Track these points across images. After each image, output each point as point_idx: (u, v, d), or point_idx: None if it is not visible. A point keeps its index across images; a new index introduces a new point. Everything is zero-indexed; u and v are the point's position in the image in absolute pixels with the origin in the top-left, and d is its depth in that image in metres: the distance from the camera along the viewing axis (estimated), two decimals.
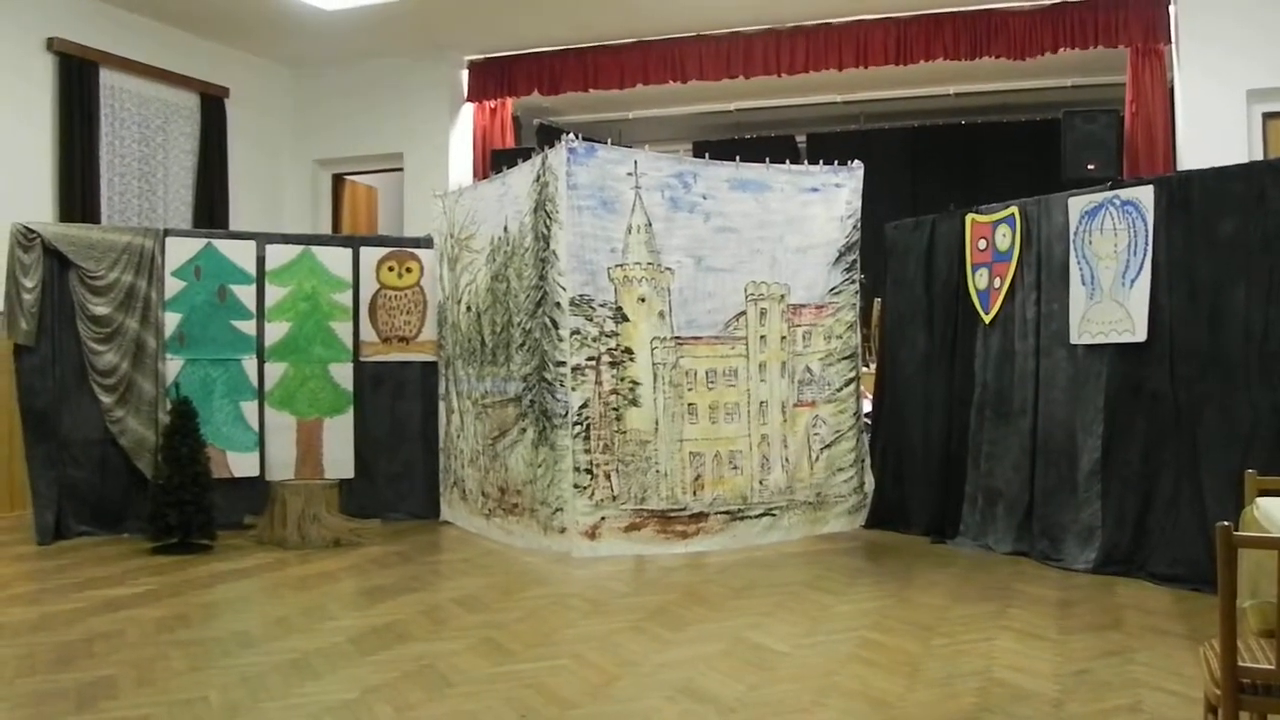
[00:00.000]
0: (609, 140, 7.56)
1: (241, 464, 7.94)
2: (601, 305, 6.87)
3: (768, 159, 7.59)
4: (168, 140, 10.27)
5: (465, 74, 11.42)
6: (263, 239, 8.28)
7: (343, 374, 8.29)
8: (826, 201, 7.64)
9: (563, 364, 6.82)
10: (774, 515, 7.32)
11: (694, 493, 7.07)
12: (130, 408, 7.65)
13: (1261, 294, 5.68)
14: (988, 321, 7.14)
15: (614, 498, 6.84)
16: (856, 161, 7.80)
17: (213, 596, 5.95)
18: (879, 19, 9.79)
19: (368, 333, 8.37)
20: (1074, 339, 6.50)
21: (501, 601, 5.74)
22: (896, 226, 8.04)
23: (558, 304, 6.86)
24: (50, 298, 7.48)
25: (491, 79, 11.33)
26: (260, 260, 8.13)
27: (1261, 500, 3.19)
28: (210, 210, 10.51)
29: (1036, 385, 6.76)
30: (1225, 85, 8.50)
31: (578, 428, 6.76)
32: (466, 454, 7.99)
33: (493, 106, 11.56)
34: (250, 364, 8.04)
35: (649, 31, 10.43)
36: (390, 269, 8.46)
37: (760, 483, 7.29)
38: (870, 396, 8.18)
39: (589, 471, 6.77)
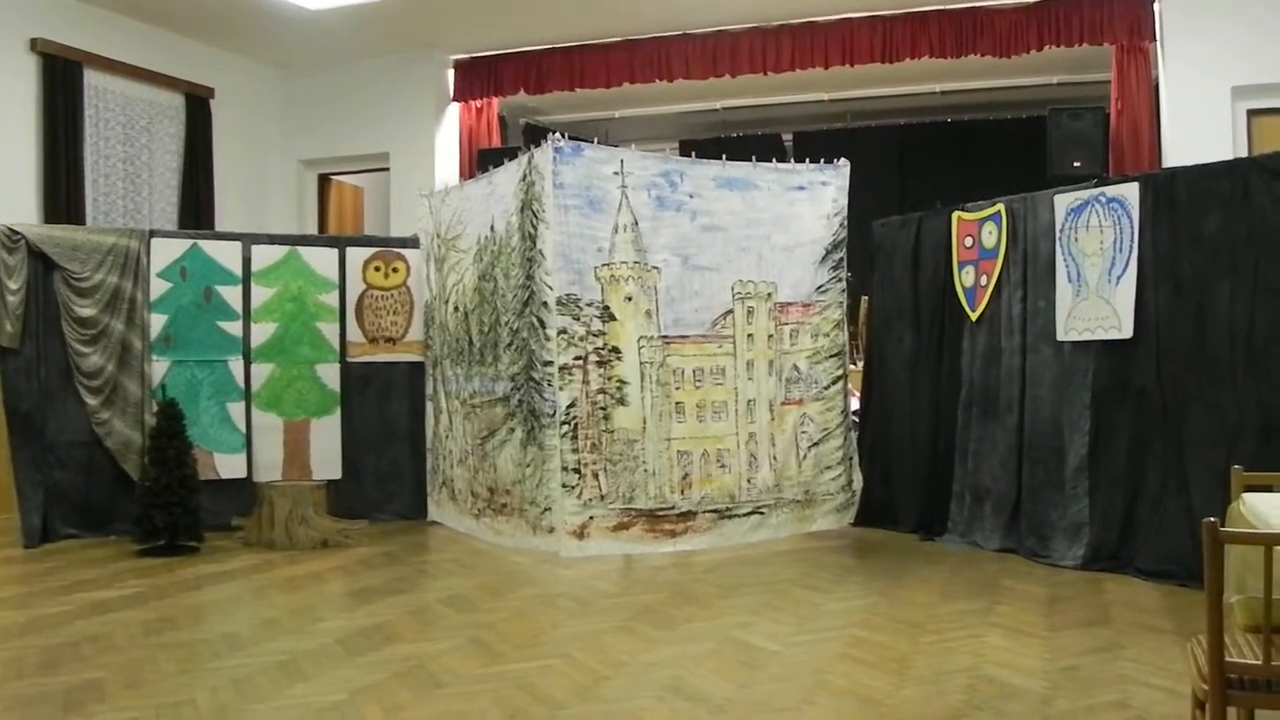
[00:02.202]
0: (595, 139, 7.55)
1: (228, 465, 7.91)
2: (588, 304, 6.87)
3: (754, 157, 7.60)
4: (153, 141, 10.21)
5: (451, 73, 11.39)
6: (249, 240, 8.26)
7: (329, 375, 8.28)
8: (813, 200, 7.65)
9: (550, 363, 6.82)
10: (762, 514, 7.33)
11: (682, 491, 7.08)
12: (116, 410, 7.62)
13: (1246, 290, 5.69)
14: (974, 319, 7.15)
15: (602, 497, 6.84)
16: (843, 160, 7.81)
17: (200, 598, 5.92)
18: (865, 17, 9.80)
19: (354, 333, 8.35)
20: (1060, 336, 6.52)
21: (490, 602, 5.73)
22: (883, 224, 8.05)
23: (545, 303, 6.86)
24: (35, 299, 7.45)
25: (477, 78, 11.30)
26: (246, 261, 8.11)
27: (1248, 496, 3.20)
28: (196, 211, 10.46)
29: (1023, 382, 6.78)
30: (1210, 82, 8.51)
31: (565, 427, 6.76)
32: (455, 454, 7.98)
33: (479, 106, 11.53)
34: (237, 365, 8.02)
35: (635, 30, 10.41)
36: (377, 269, 8.45)
37: (748, 481, 7.29)
38: (858, 394, 8.19)
39: (577, 471, 6.77)
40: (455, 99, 11.41)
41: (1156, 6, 8.97)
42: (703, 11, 9.86)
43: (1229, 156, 7.80)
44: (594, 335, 6.89)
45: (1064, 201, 6.56)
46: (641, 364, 7.01)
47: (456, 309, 7.95)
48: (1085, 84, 10.64)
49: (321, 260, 8.32)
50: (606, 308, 6.93)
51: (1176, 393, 5.98)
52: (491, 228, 7.51)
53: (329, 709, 4.00)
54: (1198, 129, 8.48)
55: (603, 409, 6.88)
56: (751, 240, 7.40)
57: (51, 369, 7.49)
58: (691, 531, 7.08)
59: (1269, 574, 2.55)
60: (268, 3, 9.44)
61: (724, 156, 7.48)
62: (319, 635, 5.06)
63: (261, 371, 8.09)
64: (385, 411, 8.47)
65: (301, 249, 8.33)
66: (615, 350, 6.94)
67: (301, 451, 8.16)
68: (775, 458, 7.40)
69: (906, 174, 11.95)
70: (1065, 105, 9.48)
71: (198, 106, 10.63)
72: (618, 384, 6.93)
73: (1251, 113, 8.59)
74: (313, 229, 11.78)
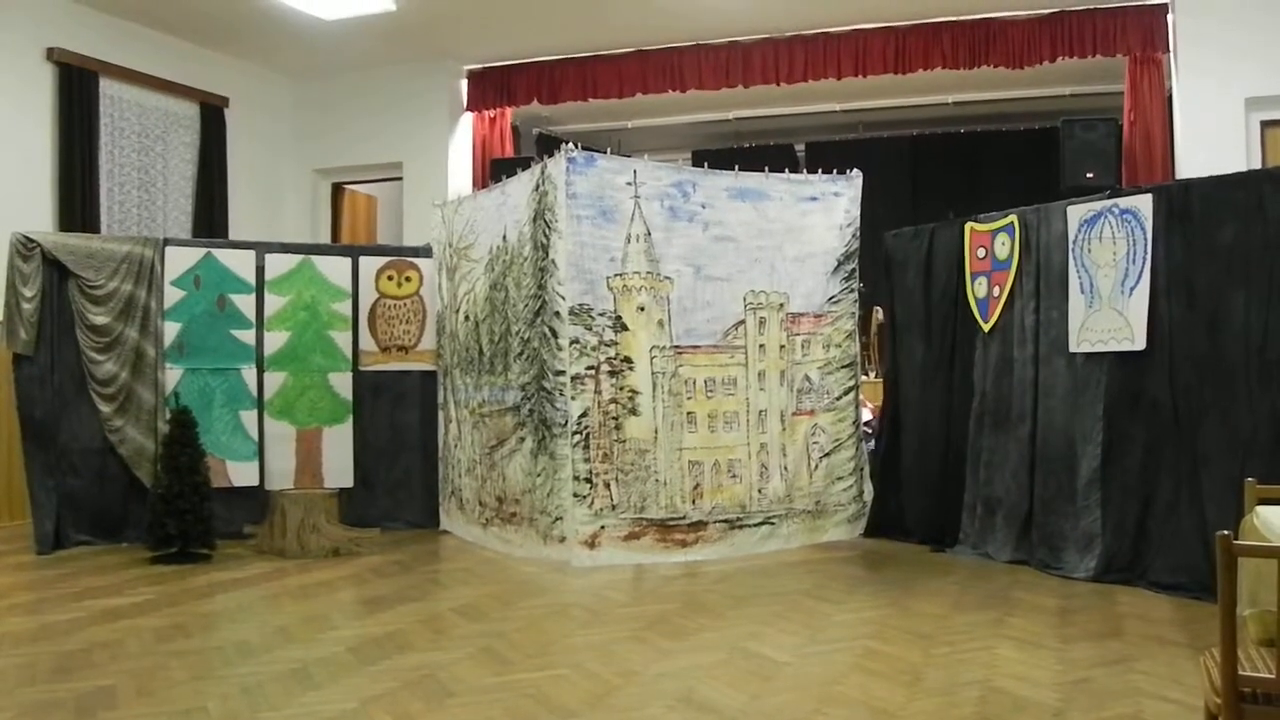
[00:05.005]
0: (608, 149, 7.58)
1: (241, 473, 7.94)
2: (600, 314, 6.88)
3: (766, 168, 7.61)
4: (167, 150, 10.27)
5: (464, 83, 11.43)
6: (262, 248, 8.29)
7: (342, 383, 8.30)
8: (825, 210, 7.65)
9: (562, 373, 6.83)
10: (773, 524, 7.33)
11: (693, 501, 7.07)
12: (129, 417, 7.65)
13: (1260, 302, 5.68)
14: (987, 330, 7.14)
15: (613, 507, 6.84)
16: (855, 170, 7.82)
17: (212, 606, 5.94)
18: (878, 28, 9.81)
19: (367, 342, 8.38)
20: (1073, 347, 6.51)
21: (501, 611, 5.73)
22: (895, 235, 8.04)
23: (557, 313, 6.87)
24: (50, 307, 7.49)
25: (491, 88, 11.34)
26: (260, 270, 8.14)
27: (1261, 509, 3.19)
28: (210, 220, 10.50)
29: (1035, 394, 6.76)
30: (1224, 93, 8.51)
31: (577, 437, 6.76)
32: (464, 463, 7.99)
33: (492, 116, 11.57)
34: (250, 373, 8.04)
35: (648, 41, 10.44)
36: (389, 278, 8.47)
37: (759, 491, 7.29)
38: (869, 405, 8.18)
39: (588, 480, 6.77)
40: (468, 109, 11.45)
41: (1169, 18, 8.96)
42: (715, 22, 9.88)
43: (1243, 168, 7.80)
44: (606, 345, 6.89)
45: (1077, 213, 6.55)
46: (653, 374, 7.01)
47: (467, 318, 7.97)
48: (1098, 95, 10.64)
49: (335, 269, 8.35)
50: (619, 318, 6.94)
51: (1190, 405, 5.96)
52: (504, 237, 7.52)
53: (340, 717, 4.00)
54: (1211, 140, 8.47)
55: (614, 419, 6.88)
56: (764, 251, 7.41)
57: (65, 376, 7.53)
58: (702, 541, 7.08)
59: None
60: (283, 13, 9.50)
61: (736, 167, 7.49)
62: (330, 643, 5.06)
63: (274, 380, 8.11)
64: (397, 420, 8.48)
65: (315, 258, 8.36)
66: (627, 360, 6.94)
67: (313, 460, 8.18)
68: (786, 468, 7.39)
69: (919, 185, 11.95)
70: (1078, 116, 9.45)
71: (212, 115, 10.69)
72: (629, 394, 6.93)
73: (1265, 124, 8.58)
74: (326, 238, 11.83)
